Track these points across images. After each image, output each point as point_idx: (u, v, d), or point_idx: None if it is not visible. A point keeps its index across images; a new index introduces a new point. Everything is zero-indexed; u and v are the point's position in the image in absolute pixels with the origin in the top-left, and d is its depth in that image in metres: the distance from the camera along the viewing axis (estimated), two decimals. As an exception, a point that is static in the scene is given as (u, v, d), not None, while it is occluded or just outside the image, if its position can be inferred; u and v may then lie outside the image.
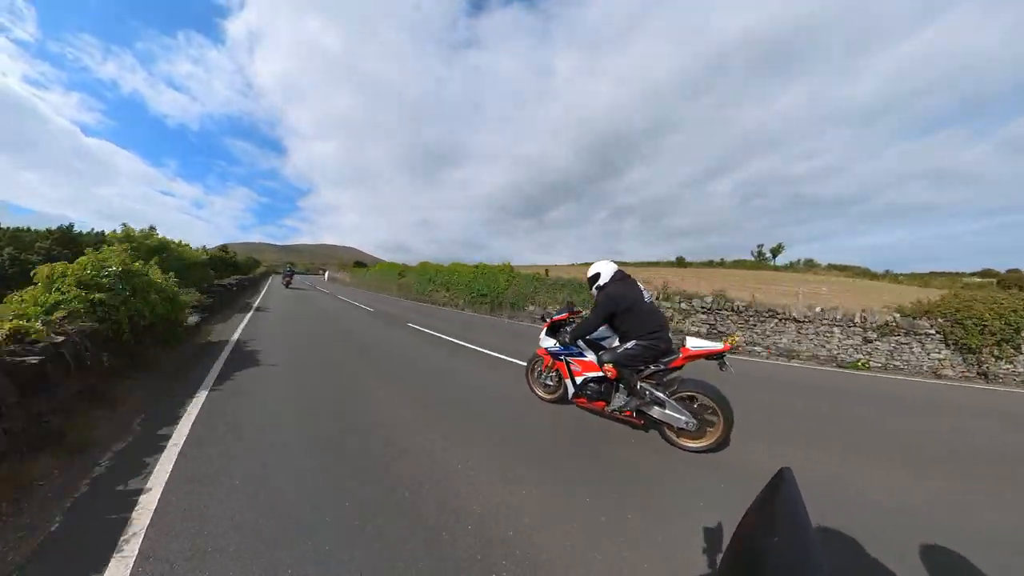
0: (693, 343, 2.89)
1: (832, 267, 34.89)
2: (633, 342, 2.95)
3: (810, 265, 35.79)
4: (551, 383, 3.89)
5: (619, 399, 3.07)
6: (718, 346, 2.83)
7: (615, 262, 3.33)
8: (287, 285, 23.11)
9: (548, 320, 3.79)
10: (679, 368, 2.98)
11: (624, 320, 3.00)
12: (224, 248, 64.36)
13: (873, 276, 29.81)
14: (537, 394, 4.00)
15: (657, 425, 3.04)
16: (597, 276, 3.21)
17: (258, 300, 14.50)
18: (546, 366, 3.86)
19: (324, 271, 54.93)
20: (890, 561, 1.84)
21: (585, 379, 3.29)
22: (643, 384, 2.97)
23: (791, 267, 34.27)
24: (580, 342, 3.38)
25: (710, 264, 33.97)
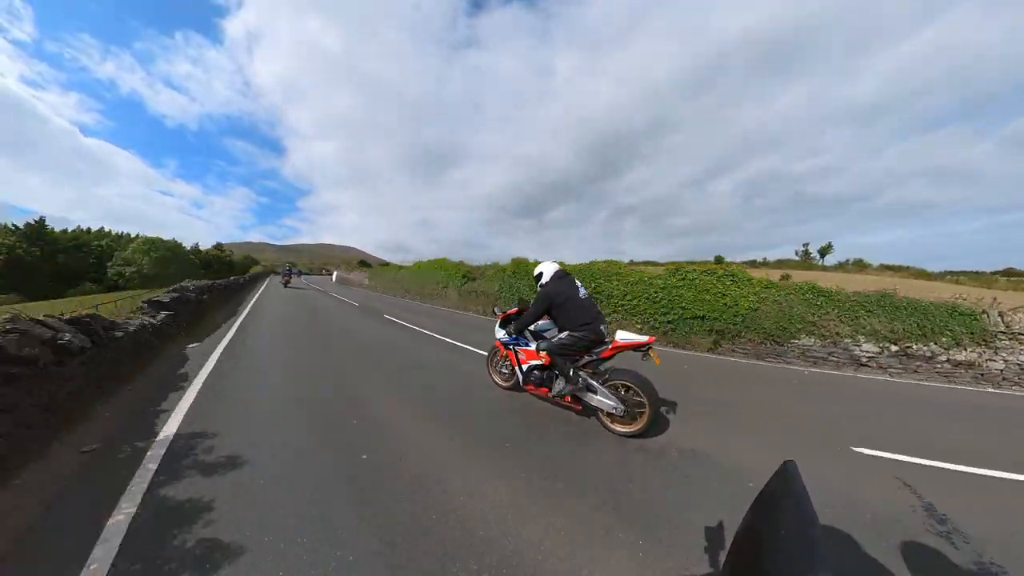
0: (622, 336, 3.19)
1: (885, 267, 31.47)
2: (566, 333, 3.30)
3: (860, 265, 32.44)
4: (506, 371, 4.23)
5: (559, 385, 3.33)
6: (643, 339, 3.10)
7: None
8: (285, 284, 22.42)
9: (500, 314, 4.16)
10: (610, 358, 3.27)
11: (560, 313, 3.33)
12: (219, 247, 61.23)
13: (928, 276, 26.36)
14: (495, 381, 4.34)
15: (594, 411, 3.29)
16: (541, 275, 3.58)
17: (243, 315, 9.94)
18: (502, 356, 4.23)
19: (331, 271, 48.06)
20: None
21: (530, 366, 3.62)
22: (578, 372, 3.24)
23: (841, 267, 30.97)
24: (527, 333, 3.75)
25: (752, 264, 30.62)
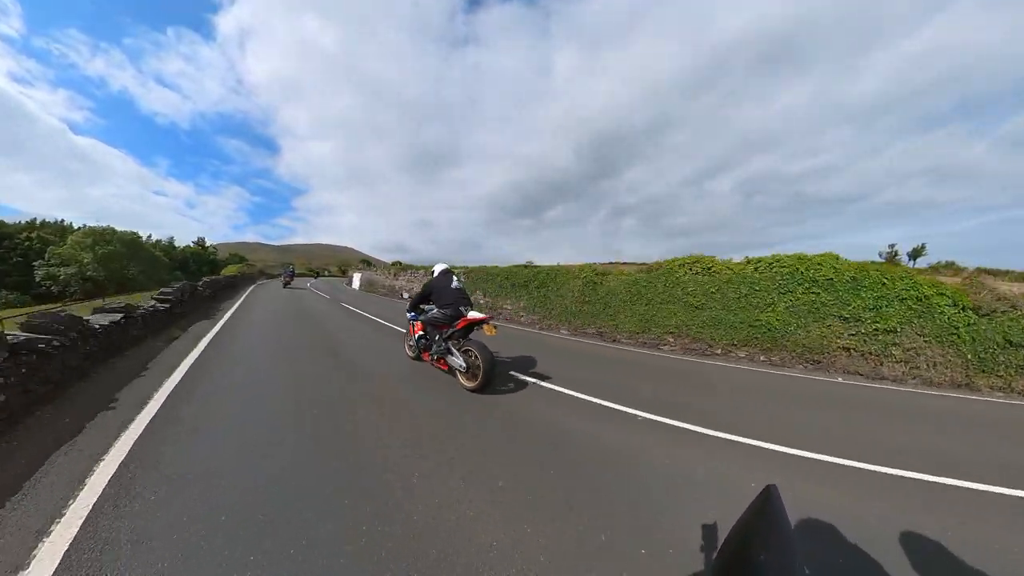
0: (472, 314, 4.42)
1: (982, 270, 25.71)
2: (436, 309, 4.72)
3: (953, 268, 26.73)
4: (412, 343, 5.46)
5: (433, 349, 4.73)
6: (483, 316, 4.36)
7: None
8: (285, 285, 22.42)
9: (409, 299, 5.82)
10: (465, 329, 4.44)
11: (435, 298, 4.74)
12: (201, 242, 54.56)
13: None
14: (407, 353, 5.71)
15: (453, 372, 4.49)
16: (433, 271, 5.15)
17: (200, 348, 5.78)
18: (410, 332, 5.61)
19: (351, 273, 32.04)
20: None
21: (419, 336, 5.10)
22: (443, 339, 4.55)
23: (933, 269, 25.45)
24: (422, 308, 5.16)
25: None
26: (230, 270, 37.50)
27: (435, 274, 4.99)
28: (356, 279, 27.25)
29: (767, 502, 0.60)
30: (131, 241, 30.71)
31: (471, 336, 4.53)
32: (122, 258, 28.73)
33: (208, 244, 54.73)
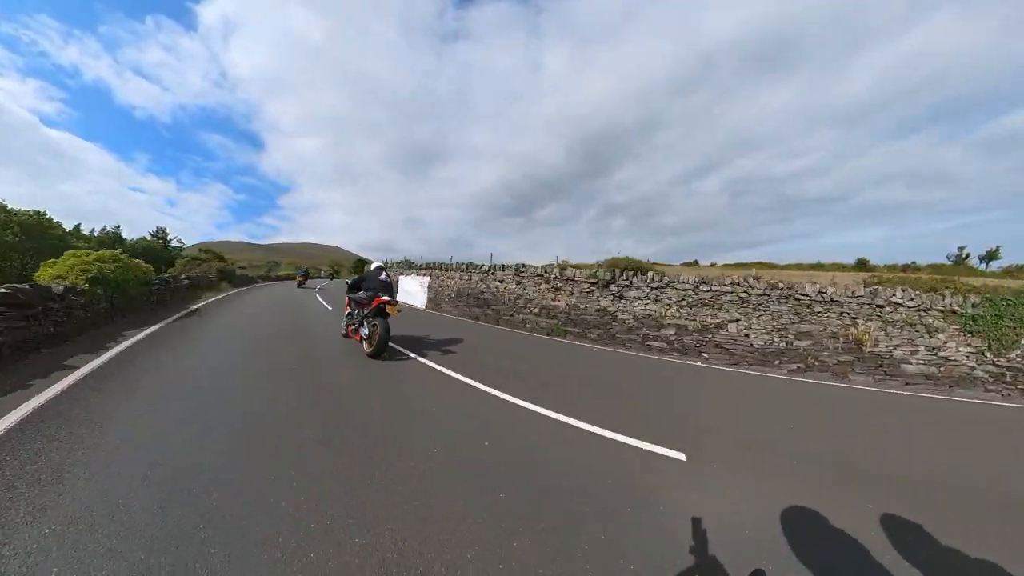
0: (382, 296, 5.85)
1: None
2: (361, 292, 6.29)
3: (1028, 271, 22.54)
4: (353, 318, 6.62)
5: (355, 322, 6.44)
6: (388, 299, 5.81)
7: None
8: (299, 285, 24.24)
9: (348, 283, 6.91)
10: (376, 309, 5.76)
11: (364, 285, 6.31)
12: (161, 234, 45.39)
13: None
14: (341, 331, 7.06)
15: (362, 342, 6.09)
16: (370, 266, 6.82)
17: None
18: (346, 308, 7.04)
19: (411, 273, 18.12)
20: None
21: (348, 312, 6.80)
22: (361, 316, 6.14)
23: (1008, 273, 21.40)
24: (353, 293, 6.63)
25: (903, 269, 20.76)
26: (171, 269, 30.59)
27: (371, 268, 6.70)
28: (422, 289, 16.16)
29: None
30: (34, 225, 21.79)
31: (382, 318, 5.82)
32: (17, 249, 20.75)
33: (174, 239, 45.97)
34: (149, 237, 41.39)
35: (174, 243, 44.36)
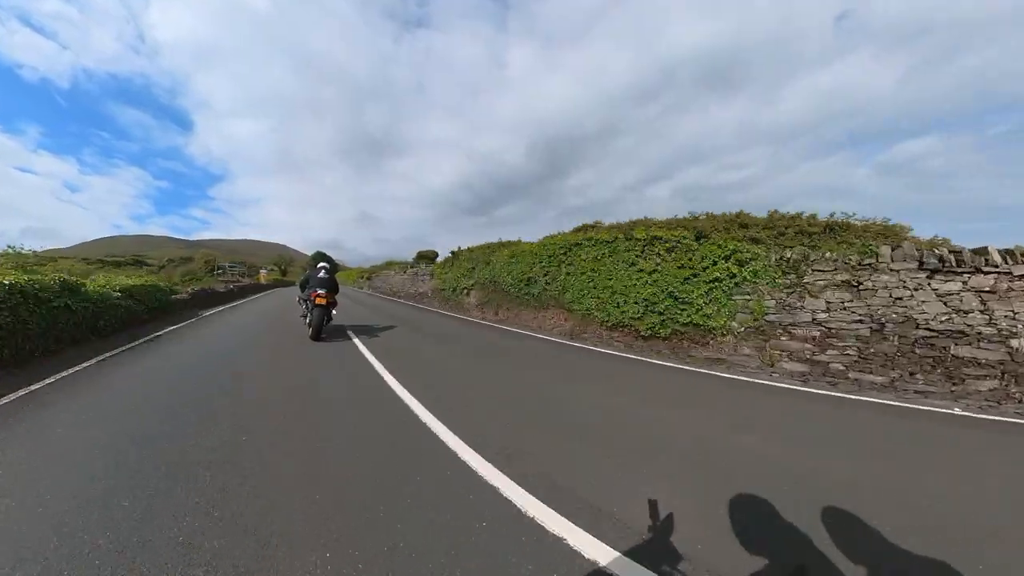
0: (319, 291, 7.19)
1: None
2: (308, 288, 7.66)
3: None
4: (303, 308, 8.41)
5: (304, 311, 8.28)
6: (321, 293, 7.17)
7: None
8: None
9: (298, 283, 9.03)
10: (317, 301, 7.18)
11: (310, 283, 7.60)
12: None
13: None
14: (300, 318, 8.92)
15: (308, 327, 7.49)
16: (316, 265, 8.37)
17: None
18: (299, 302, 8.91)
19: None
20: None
21: (300, 298, 8.50)
22: (309, 308, 7.54)
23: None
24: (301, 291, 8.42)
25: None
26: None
27: (316, 268, 7.99)
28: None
29: None
30: None
31: (319, 308, 7.20)
32: None
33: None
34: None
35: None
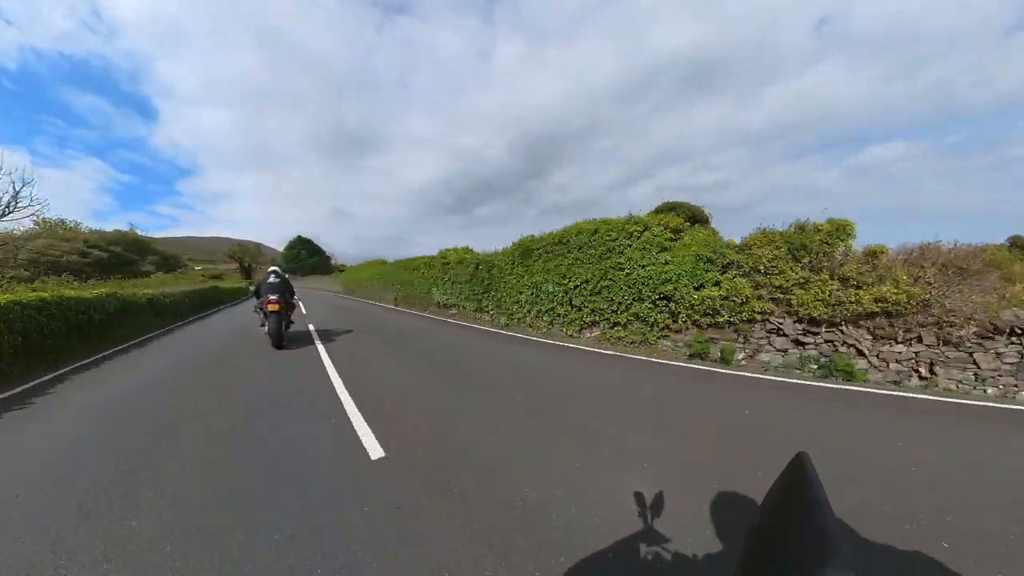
0: (270, 297, 7.21)
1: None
2: (262, 295, 7.50)
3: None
4: (260, 317, 7.85)
5: (261, 319, 7.72)
6: (272, 298, 7.20)
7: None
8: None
9: (254, 288, 8.26)
10: (270, 308, 7.24)
11: (261, 290, 7.54)
12: None
13: None
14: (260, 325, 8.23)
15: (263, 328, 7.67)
16: (270, 271, 8.08)
17: None
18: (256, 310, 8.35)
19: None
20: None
21: (257, 311, 7.96)
22: (265, 312, 7.33)
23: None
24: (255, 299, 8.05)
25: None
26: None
27: (266, 273, 7.91)
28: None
29: (798, 470, 0.56)
30: None
31: (275, 315, 7.23)
32: None
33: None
34: None
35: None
